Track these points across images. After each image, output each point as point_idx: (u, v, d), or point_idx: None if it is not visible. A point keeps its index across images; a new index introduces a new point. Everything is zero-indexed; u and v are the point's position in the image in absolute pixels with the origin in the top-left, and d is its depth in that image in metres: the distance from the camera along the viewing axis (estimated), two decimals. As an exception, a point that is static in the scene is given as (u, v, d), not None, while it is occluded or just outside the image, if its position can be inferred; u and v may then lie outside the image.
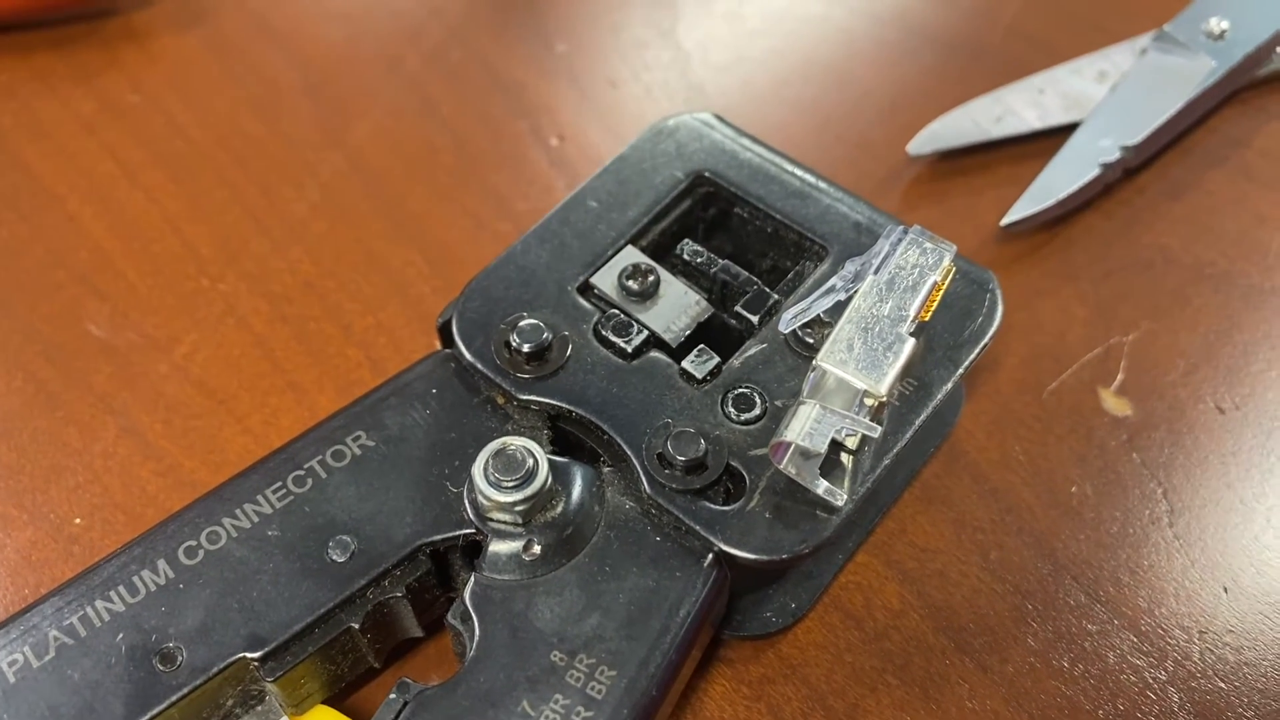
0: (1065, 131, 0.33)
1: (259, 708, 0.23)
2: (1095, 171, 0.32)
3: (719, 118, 0.29)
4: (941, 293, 0.24)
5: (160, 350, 0.30)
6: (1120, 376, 0.29)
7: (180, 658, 0.22)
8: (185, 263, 0.31)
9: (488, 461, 0.22)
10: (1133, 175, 0.33)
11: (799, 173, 0.27)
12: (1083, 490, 0.27)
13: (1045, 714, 0.24)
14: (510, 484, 0.22)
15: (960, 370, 0.24)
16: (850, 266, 0.24)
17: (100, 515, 0.27)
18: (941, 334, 0.25)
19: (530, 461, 0.22)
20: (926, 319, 0.24)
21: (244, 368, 0.29)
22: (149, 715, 0.21)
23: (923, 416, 0.24)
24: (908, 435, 0.24)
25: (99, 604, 0.22)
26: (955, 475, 0.28)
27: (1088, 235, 0.32)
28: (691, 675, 0.25)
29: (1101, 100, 0.33)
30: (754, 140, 0.28)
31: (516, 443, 0.22)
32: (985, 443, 0.28)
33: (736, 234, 0.28)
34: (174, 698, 0.21)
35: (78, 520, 0.27)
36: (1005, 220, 0.31)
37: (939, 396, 0.24)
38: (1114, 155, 0.32)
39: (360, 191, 0.33)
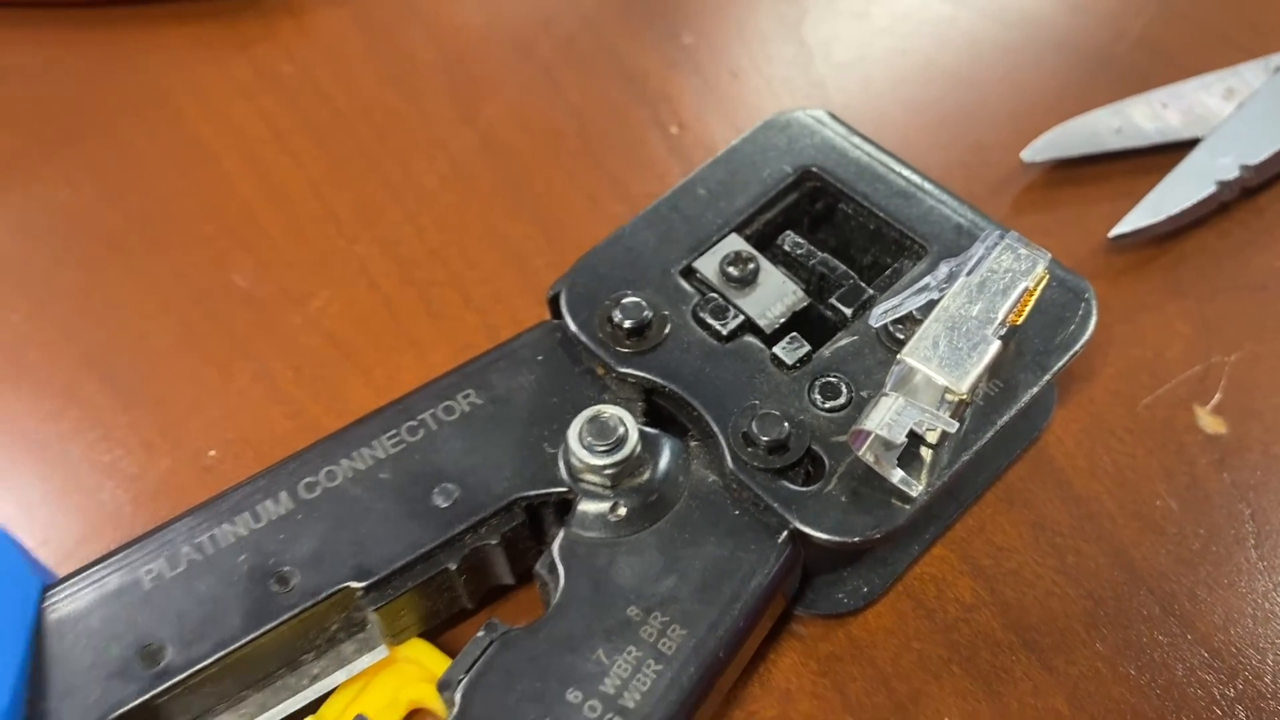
0: (1185, 147, 0.33)
1: (360, 635, 0.25)
2: (1211, 189, 0.32)
3: (831, 115, 0.29)
4: (1034, 299, 0.24)
5: (296, 303, 0.32)
6: (1218, 396, 0.29)
7: (294, 581, 0.24)
8: (324, 224, 0.34)
9: (583, 426, 0.24)
10: (1252, 195, 0.33)
11: (905, 173, 0.28)
12: (1167, 505, 0.28)
13: (1107, 718, 0.25)
14: (602, 449, 0.24)
15: (1047, 376, 0.25)
16: (945, 267, 0.25)
17: (232, 449, 0.29)
18: (1033, 339, 0.26)
19: (622, 429, 0.24)
20: (1018, 323, 0.24)
21: (370, 324, 0.31)
22: (262, 630, 0.23)
23: (1005, 418, 0.25)
24: (988, 435, 0.24)
25: (226, 527, 0.24)
26: (1040, 479, 0.28)
27: (1199, 253, 0.32)
28: (762, 645, 0.26)
29: (1226, 117, 0.33)
30: (864, 139, 0.29)
31: (610, 410, 0.24)
32: (1073, 450, 0.29)
33: (840, 228, 0.29)
34: (285, 617, 0.23)
35: (211, 452, 0.29)
36: (1114, 232, 0.31)
37: (1024, 400, 0.25)
38: (1233, 174, 0.32)
39: (488, 167, 0.35)
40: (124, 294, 0.32)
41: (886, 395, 0.23)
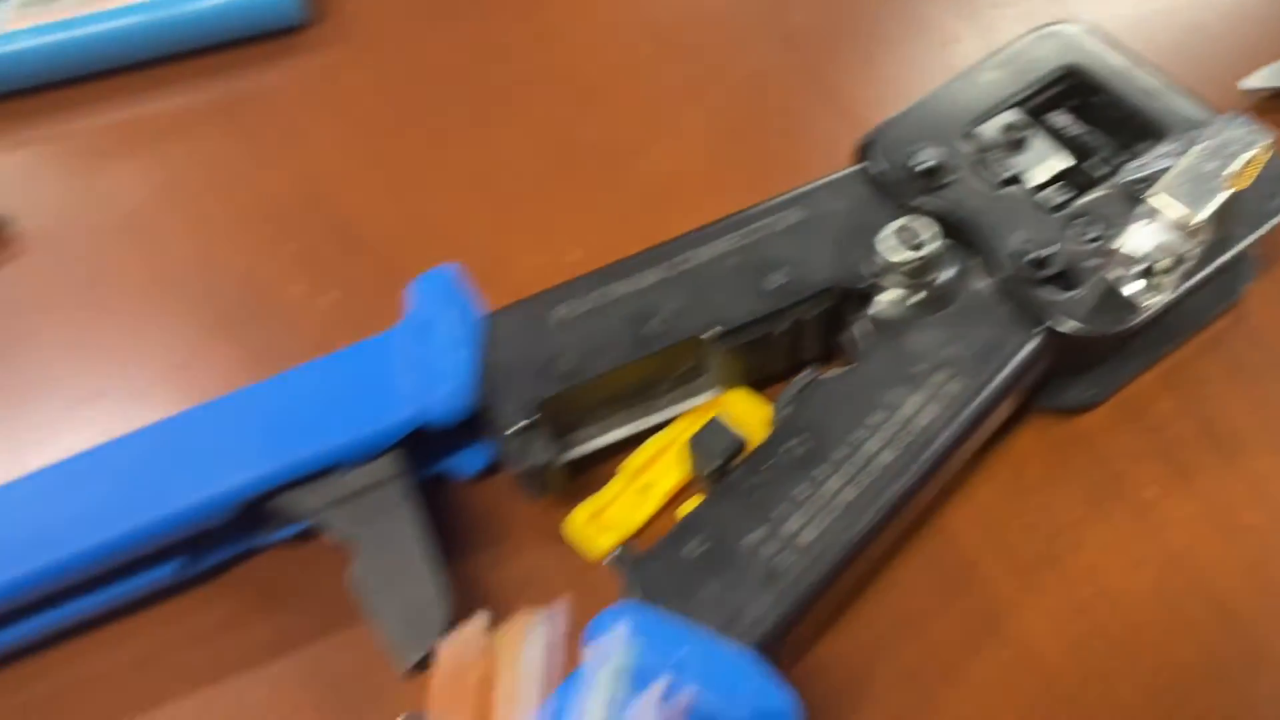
0: (1392, 86, 0.39)
1: (701, 380, 0.33)
2: None
3: (1094, 26, 0.36)
4: (1258, 170, 0.31)
5: (637, 154, 0.41)
6: (1400, 282, 0.36)
7: (660, 328, 0.32)
8: (660, 96, 0.42)
9: (893, 230, 0.32)
10: None
11: (1152, 75, 0.35)
12: (1346, 356, 0.34)
13: (1274, 504, 0.32)
14: (906, 248, 0.31)
15: (1257, 233, 0.32)
16: (1187, 138, 0.32)
17: (590, 253, 0.37)
18: (1248, 204, 0.32)
19: (923, 235, 0.31)
20: (1241, 188, 0.31)
21: (695, 175, 0.40)
22: (635, 358, 0.32)
23: (1220, 260, 0.31)
24: (1207, 270, 0.31)
25: (614, 286, 0.33)
26: (1236, 332, 0.35)
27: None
28: (1005, 427, 0.33)
29: None
30: (1120, 47, 0.36)
31: (918, 220, 0.32)
32: (1265, 311, 0.35)
33: (1094, 117, 0.36)
34: (654, 349, 0.32)
35: (574, 255, 0.38)
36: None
37: (1236, 249, 0.32)
38: None
39: (794, 59, 0.43)
40: (502, 135, 0.41)
41: (1132, 226, 0.30)
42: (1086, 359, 0.33)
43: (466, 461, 0.33)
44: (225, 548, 0.32)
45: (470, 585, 0.32)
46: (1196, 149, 0.31)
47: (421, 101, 0.43)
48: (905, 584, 0.31)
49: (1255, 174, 0.31)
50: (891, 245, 0.32)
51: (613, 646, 0.24)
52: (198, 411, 0.31)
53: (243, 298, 0.38)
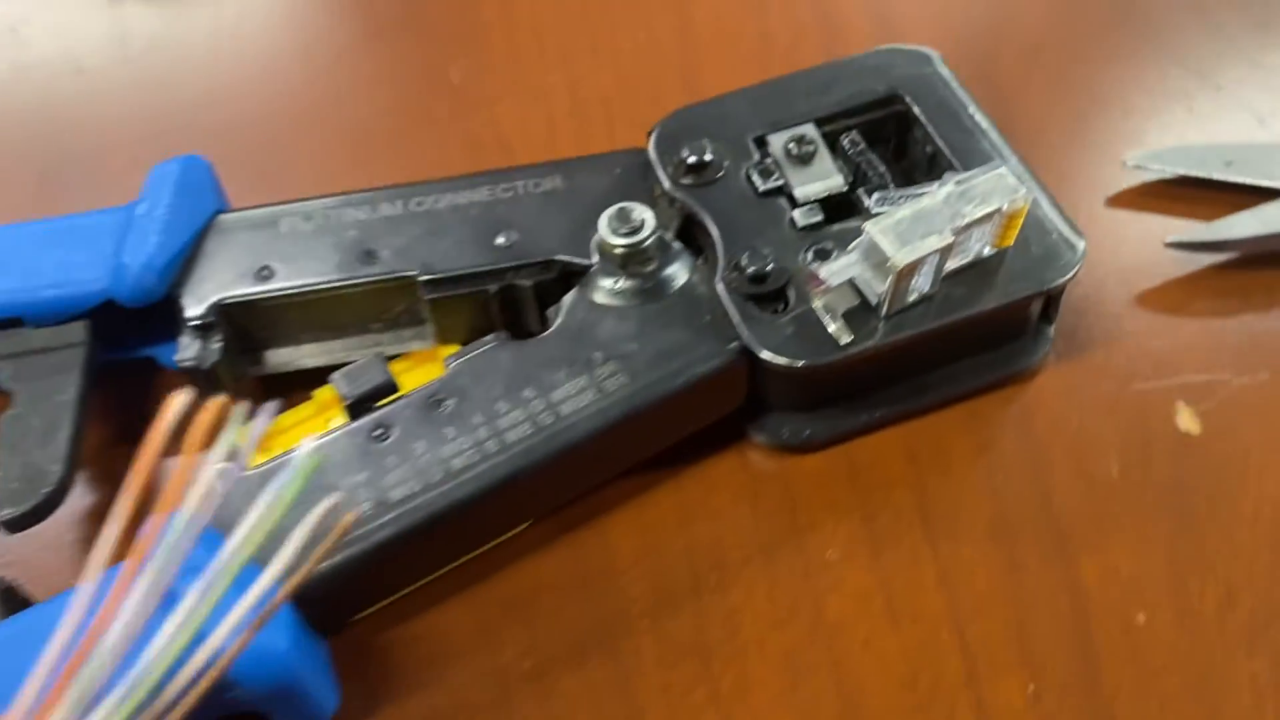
0: (1283, 195, 0.34)
1: (419, 329, 0.32)
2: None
3: (938, 57, 0.34)
4: (1017, 226, 0.28)
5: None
6: (1209, 404, 0.31)
7: (379, 259, 0.31)
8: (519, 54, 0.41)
9: (613, 213, 0.30)
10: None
11: (977, 117, 0.32)
12: (1109, 470, 0.30)
13: (956, 595, 0.29)
14: (622, 232, 0.30)
15: (1006, 300, 0.29)
16: (948, 178, 0.29)
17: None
18: (1017, 270, 0.29)
19: (640, 220, 0.30)
20: (1004, 245, 0.28)
21: (533, 136, 0.39)
22: (348, 283, 0.31)
23: (950, 319, 0.29)
24: (929, 326, 0.28)
25: (349, 211, 0.32)
26: (1006, 413, 0.32)
27: (1265, 292, 0.34)
28: (711, 449, 0.31)
29: (1338, 178, 0.34)
30: (958, 84, 0.33)
31: (638, 207, 0.30)
32: (1048, 397, 0.32)
33: (910, 152, 0.33)
34: (367, 280, 0.31)
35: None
36: (1170, 239, 0.34)
37: (969, 312, 0.29)
38: (1315, 226, 0.33)
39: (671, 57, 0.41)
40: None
41: (845, 255, 0.28)
42: (800, 394, 0.31)
43: (172, 352, 0.33)
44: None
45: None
46: (944, 190, 0.28)
47: None
48: (541, 575, 0.30)
49: (1014, 233, 0.28)
50: (607, 227, 0.30)
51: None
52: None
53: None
